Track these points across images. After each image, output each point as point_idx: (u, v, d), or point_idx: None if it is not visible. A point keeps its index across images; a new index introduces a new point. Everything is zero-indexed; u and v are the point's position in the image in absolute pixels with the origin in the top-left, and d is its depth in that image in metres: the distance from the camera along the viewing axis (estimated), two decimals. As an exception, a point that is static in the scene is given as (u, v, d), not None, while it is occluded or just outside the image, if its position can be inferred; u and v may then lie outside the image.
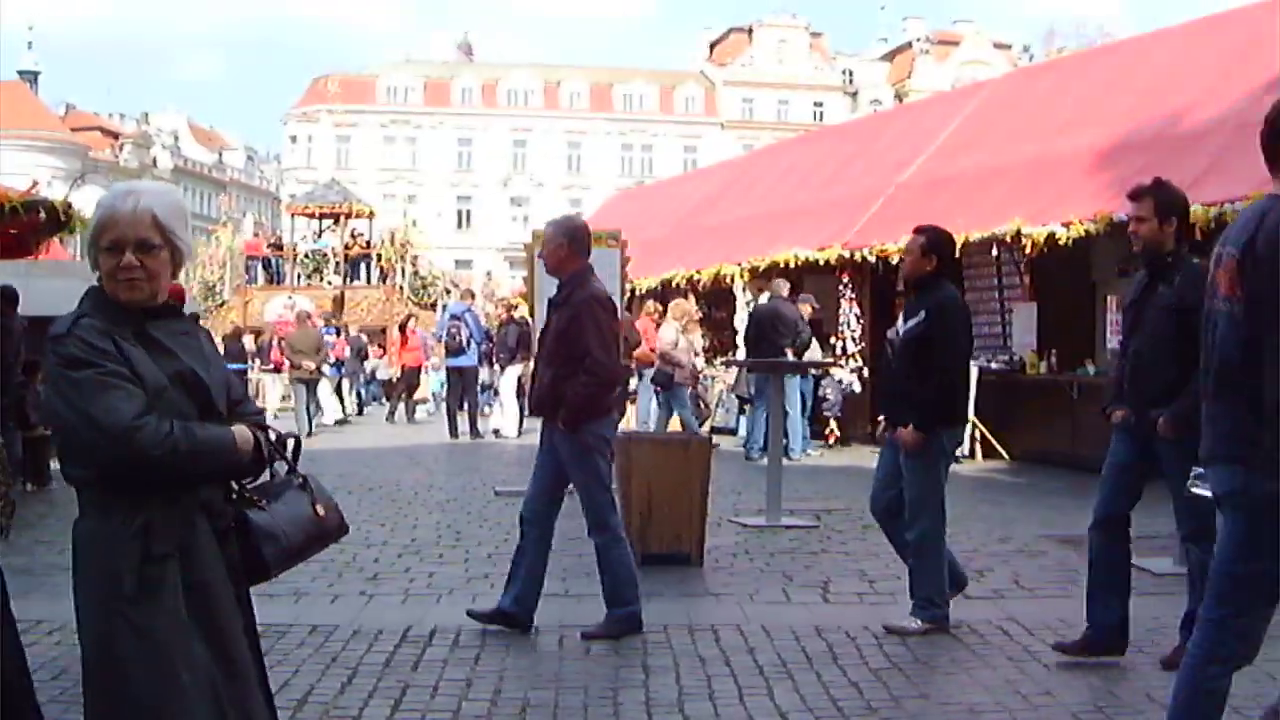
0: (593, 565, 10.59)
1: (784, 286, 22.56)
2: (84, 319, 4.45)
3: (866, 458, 22.04)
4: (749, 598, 10.49)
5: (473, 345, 26.91)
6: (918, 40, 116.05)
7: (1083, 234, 18.58)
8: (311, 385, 28.87)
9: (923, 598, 9.36)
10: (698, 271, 28.35)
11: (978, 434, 21.28)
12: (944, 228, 9.76)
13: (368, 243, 51.81)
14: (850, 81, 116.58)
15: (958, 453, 20.85)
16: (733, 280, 26.79)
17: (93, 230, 4.54)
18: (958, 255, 20.84)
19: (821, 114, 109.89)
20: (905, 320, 9.49)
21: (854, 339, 23.99)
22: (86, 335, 4.41)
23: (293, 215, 54.32)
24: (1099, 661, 8.49)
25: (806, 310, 22.44)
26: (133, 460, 4.30)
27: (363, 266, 51.37)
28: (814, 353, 21.84)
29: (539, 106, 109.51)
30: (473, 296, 33.00)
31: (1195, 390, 7.92)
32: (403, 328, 35.27)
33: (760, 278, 25.67)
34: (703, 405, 25.69)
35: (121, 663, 4.33)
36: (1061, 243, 18.96)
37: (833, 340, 23.91)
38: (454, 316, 27.48)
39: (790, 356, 20.05)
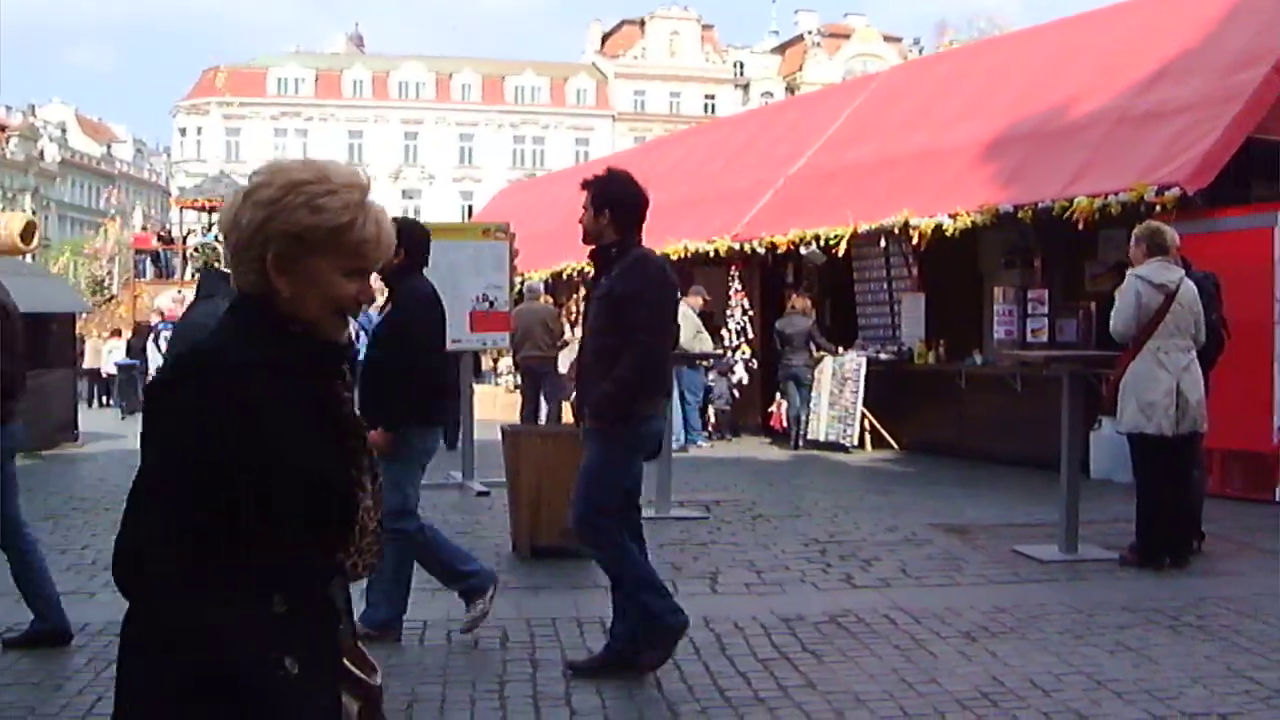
0: (481, 559, 10.55)
1: None
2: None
3: (756, 449, 22.24)
4: (638, 590, 10.48)
5: (362, 338, 26.73)
6: (809, 33, 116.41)
7: (969, 225, 18.76)
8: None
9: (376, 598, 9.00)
10: (588, 263, 28.31)
11: (867, 424, 21.45)
12: (417, 219, 9.35)
13: (257, 236, 51.26)
14: (741, 74, 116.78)
15: (845, 442, 21.15)
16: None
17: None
18: (845, 248, 21.30)
19: (713, 106, 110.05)
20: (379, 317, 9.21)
21: (742, 331, 24.08)
22: None
23: (182, 208, 53.81)
24: (984, 648, 8.59)
25: (697, 302, 22.51)
26: None
27: (253, 260, 50.89)
28: (705, 344, 21.88)
29: (430, 99, 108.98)
30: (362, 290, 32.80)
31: (620, 379, 7.89)
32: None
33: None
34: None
35: None
36: (949, 234, 19.12)
37: (722, 332, 23.96)
38: (343, 310, 27.33)
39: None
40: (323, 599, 3.17)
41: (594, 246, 8.27)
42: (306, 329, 3.17)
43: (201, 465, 2.91)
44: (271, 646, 2.95)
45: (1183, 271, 11.45)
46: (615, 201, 8.12)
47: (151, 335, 35.23)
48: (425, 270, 9.27)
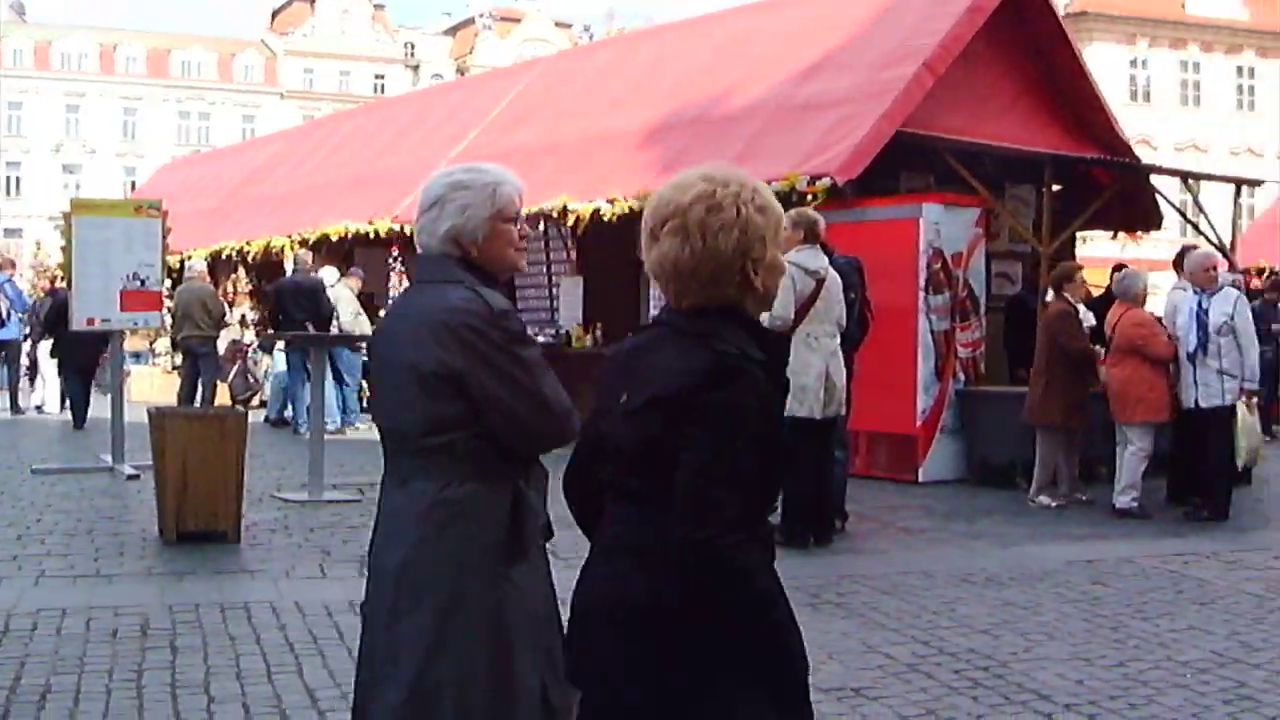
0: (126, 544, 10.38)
1: (307, 258, 22.51)
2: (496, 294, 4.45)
3: (416, 431, 22.08)
4: (285, 574, 10.38)
5: (13, 317, 25.93)
6: (480, 16, 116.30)
7: (627, 211, 18.93)
8: None
9: None
10: (248, 242, 27.88)
11: (526, 407, 21.48)
12: None
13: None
14: (412, 55, 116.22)
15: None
16: (283, 252, 26.47)
17: (496, 202, 4.51)
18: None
19: (383, 86, 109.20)
20: None
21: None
22: (514, 313, 4.47)
23: None
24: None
25: (356, 284, 22.34)
26: (564, 442, 4.37)
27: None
28: (364, 326, 21.70)
29: (94, 71, 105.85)
30: (13, 266, 31.83)
31: None
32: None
33: (312, 250, 25.56)
34: (251, 379, 25.38)
35: (510, 629, 4.29)
36: (607, 219, 19.27)
37: (383, 313, 23.75)
38: (-8, 287, 26.47)
39: (311, 329, 19.78)
40: None
41: None
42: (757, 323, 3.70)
43: (747, 450, 3.45)
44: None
45: (827, 259, 11.78)
46: None
47: None
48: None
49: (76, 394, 22.57)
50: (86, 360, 22.00)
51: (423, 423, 4.35)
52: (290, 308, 20.60)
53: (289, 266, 24.98)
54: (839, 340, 11.81)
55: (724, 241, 3.55)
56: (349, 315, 21.49)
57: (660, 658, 3.51)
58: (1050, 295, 15.11)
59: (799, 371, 11.48)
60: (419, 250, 4.61)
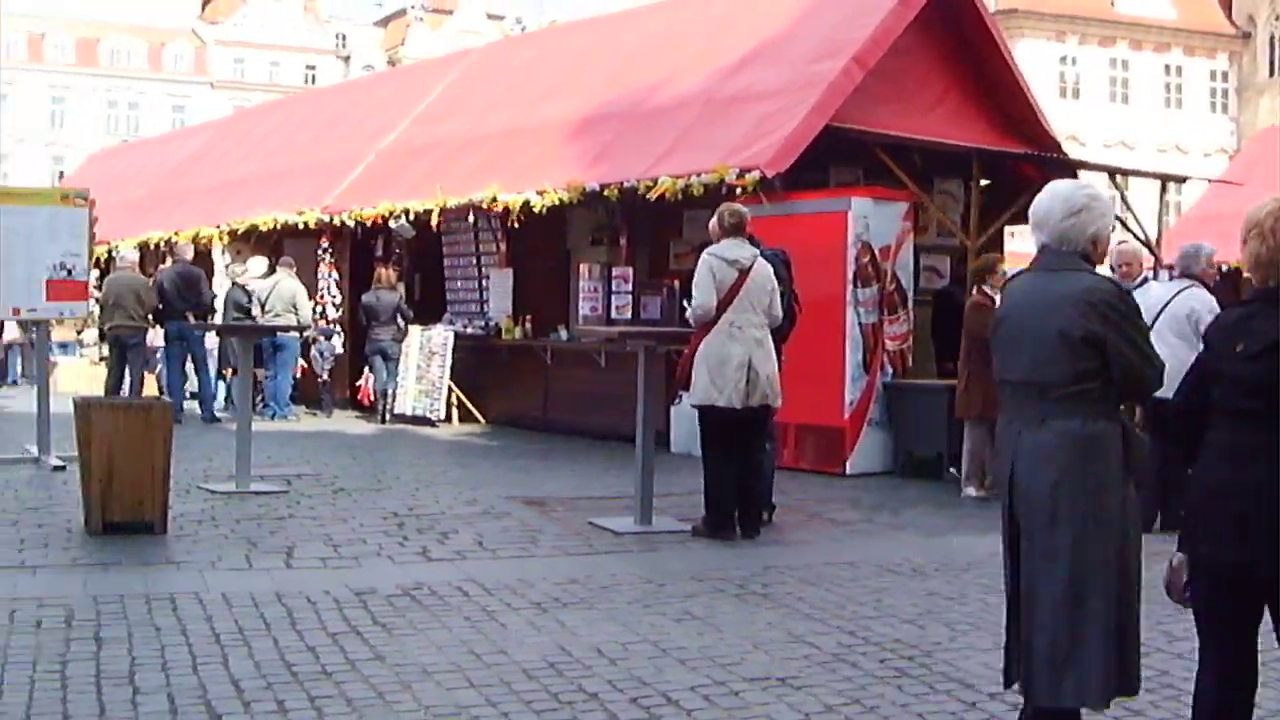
0: (51, 535, 10.28)
1: (187, 250, 22.85)
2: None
3: (344, 422, 22.07)
4: (210, 565, 10.28)
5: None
6: (412, 7, 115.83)
7: (557, 202, 18.95)
8: None
9: None
10: (176, 233, 27.64)
11: (454, 398, 21.51)
12: None
13: None
14: (344, 46, 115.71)
15: (432, 416, 21.16)
16: (211, 243, 26.34)
17: (1111, 216, 6.11)
18: (435, 222, 21.37)
19: (314, 77, 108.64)
20: None
21: (334, 304, 23.92)
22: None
23: None
24: (554, 618, 8.68)
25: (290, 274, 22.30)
26: (1154, 391, 5.87)
27: None
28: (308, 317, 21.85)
29: (22, 59, 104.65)
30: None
31: None
32: None
33: (240, 240, 25.50)
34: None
35: (1131, 528, 5.78)
36: (537, 210, 19.28)
37: (313, 304, 23.65)
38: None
39: (192, 319, 20.37)
40: None
41: None
42: None
43: None
44: None
45: (756, 250, 11.78)
46: None
47: None
48: None
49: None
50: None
51: (1069, 375, 5.62)
52: (172, 298, 20.69)
53: (217, 258, 24.94)
54: (767, 331, 11.81)
55: None
56: (307, 307, 21.79)
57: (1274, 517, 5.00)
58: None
59: (718, 361, 11.51)
60: (1051, 242, 5.77)
